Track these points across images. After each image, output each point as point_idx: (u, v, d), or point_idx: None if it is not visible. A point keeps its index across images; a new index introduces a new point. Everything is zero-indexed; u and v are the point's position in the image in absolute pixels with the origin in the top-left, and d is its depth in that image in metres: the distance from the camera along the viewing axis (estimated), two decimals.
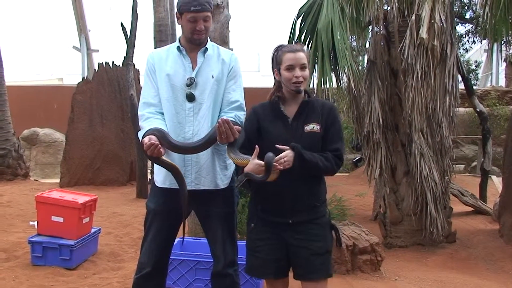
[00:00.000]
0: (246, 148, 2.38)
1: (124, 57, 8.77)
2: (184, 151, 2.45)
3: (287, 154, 2.28)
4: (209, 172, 2.51)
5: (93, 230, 4.51)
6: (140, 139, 2.41)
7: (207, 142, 2.42)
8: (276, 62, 2.46)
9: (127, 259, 4.53)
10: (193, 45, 2.53)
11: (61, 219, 4.18)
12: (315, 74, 5.25)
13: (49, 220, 4.19)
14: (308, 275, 2.41)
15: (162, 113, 2.52)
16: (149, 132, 2.37)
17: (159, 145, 2.31)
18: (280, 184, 2.34)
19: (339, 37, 5.01)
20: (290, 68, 2.40)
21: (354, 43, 6.36)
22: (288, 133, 2.40)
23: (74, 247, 4.10)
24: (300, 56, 2.40)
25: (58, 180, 9.59)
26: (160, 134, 2.37)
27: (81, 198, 4.34)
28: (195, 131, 2.47)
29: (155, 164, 2.54)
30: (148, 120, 2.48)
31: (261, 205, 2.47)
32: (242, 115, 2.54)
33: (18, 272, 3.97)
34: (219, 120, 2.32)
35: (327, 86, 4.98)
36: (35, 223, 4.46)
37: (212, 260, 2.61)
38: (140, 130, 2.51)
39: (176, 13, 2.53)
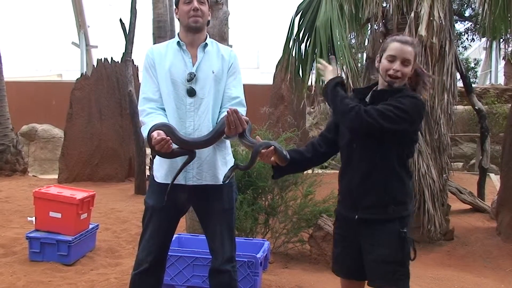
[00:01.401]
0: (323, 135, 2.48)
1: (123, 53, 8.76)
2: (193, 146, 2.40)
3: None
4: (211, 167, 2.50)
5: (91, 226, 4.51)
6: (145, 134, 2.37)
7: (216, 135, 2.40)
8: (382, 48, 2.28)
9: (125, 255, 4.54)
10: (191, 32, 2.50)
11: (59, 215, 4.18)
12: (313, 71, 5.25)
13: (47, 216, 4.19)
14: (371, 282, 2.26)
15: (163, 109, 2.50)
16: (155, 127, 2.33)
17: (170, 140, 2.28)
18: (352, 173, 2.27)
19: (337, 35, 5.01)
20: (392, 58, 2.21)
21: (353, 41, 6.36)
22: None
23: (72, 243, 4.10)
24: (406, 50, 2.19)
25: (56, 176, 9.61)
26: (167, 129, 2.33)
27: (79, 194, 4.34)
28: (196, 126, 2.46)
29: (154, 160, 2.52)
30: (150, 115, 2.45)
31: (339, 196, 2.42)
32: (243, 111, 2.51)
33: (16, 268, 3.97)
34: (228, 110, 2.29)
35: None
36: (33, 218, 4.46)
37: (210, 257, 2.60)
38: (141, 125, 2.47)
39: (174, 8, 2.52)
